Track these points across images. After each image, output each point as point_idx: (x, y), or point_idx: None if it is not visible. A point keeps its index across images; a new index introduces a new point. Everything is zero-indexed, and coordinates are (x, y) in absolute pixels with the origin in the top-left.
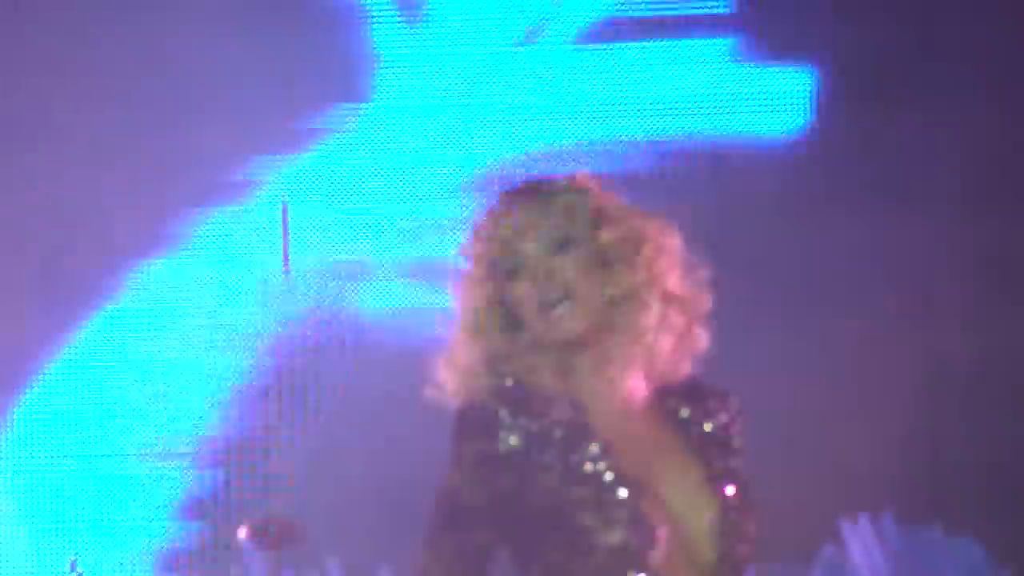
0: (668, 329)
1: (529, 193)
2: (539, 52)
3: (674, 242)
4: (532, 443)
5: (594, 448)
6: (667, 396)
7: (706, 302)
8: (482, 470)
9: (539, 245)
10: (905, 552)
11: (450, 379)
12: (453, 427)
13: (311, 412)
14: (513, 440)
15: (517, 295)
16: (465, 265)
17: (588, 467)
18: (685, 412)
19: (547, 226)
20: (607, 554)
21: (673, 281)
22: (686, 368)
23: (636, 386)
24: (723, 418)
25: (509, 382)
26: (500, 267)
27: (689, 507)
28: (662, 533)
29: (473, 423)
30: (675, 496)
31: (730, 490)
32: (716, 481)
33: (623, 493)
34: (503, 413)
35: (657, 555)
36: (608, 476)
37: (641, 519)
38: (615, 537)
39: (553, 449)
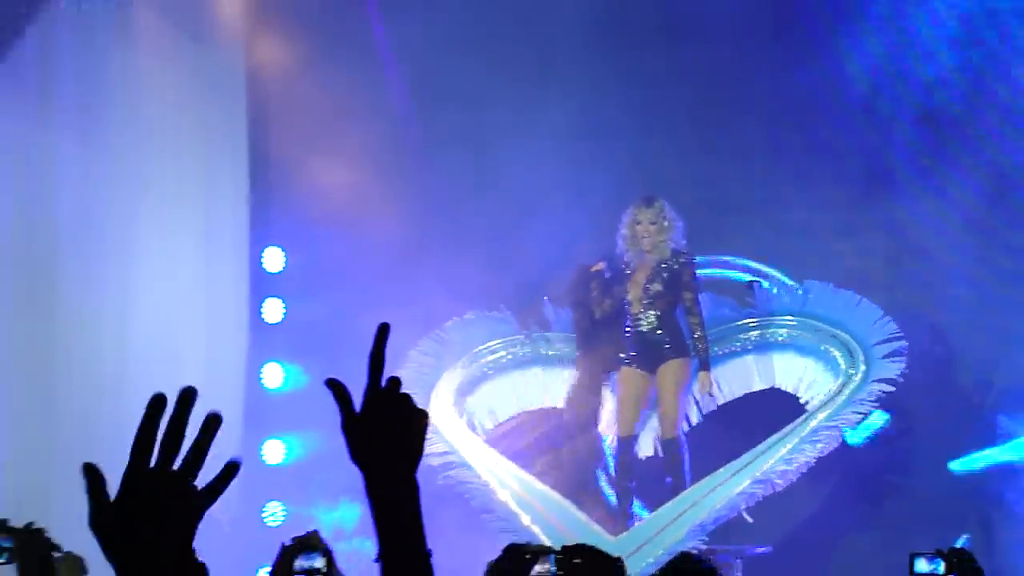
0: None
1: (647, 203)
2: None
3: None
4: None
5: (634, 281)
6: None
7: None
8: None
9: (646, 219)
10: None
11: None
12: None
13: None
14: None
15: (637, 230)
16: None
17: (631, 290)
18: (667, 264)
19: (650, 215)
20: (628, 304)
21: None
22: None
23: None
24: (676, 266)
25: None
26: (635, 220)
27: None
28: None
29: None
30: (653, 286)
31: (686, 290)
32: (668, 284)
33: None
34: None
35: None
36: (633, 294)
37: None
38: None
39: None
